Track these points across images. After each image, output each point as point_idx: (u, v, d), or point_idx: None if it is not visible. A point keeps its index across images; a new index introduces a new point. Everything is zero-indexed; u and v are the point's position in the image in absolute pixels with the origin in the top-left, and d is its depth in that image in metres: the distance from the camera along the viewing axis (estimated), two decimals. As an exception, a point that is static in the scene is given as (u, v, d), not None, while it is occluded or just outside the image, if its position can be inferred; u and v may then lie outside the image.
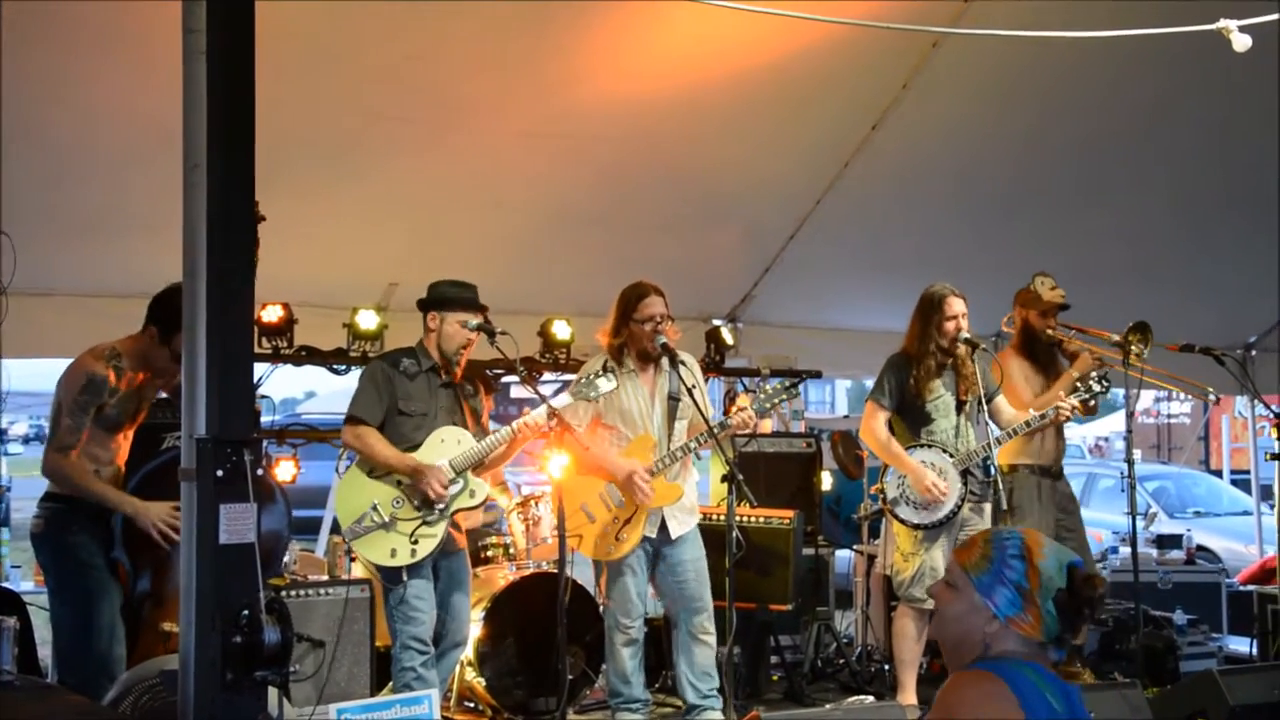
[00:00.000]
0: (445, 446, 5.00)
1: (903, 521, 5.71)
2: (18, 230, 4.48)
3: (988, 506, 5.76)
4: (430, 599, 5.00)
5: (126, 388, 4.45)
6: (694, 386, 5.33)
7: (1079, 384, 5.81)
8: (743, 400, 5.48)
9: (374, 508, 4.90)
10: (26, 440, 26.40)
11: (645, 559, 5.39)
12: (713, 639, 5.36)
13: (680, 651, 5.32)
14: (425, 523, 4.91)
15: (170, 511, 4.26)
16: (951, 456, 5.65)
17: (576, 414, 5.27)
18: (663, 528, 5.33)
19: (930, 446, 5.68)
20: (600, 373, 5.10)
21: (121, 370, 4.41)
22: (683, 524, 5.34)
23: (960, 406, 5.72)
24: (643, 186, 6.74)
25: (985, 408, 5.73)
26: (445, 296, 5.13)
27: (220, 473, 3.06)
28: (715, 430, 5.25)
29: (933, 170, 7.07)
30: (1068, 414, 5.71)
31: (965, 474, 5.65)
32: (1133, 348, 6.00)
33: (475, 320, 5.06)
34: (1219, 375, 9.06)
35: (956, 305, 5.71)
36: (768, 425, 7.67)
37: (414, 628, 4.93)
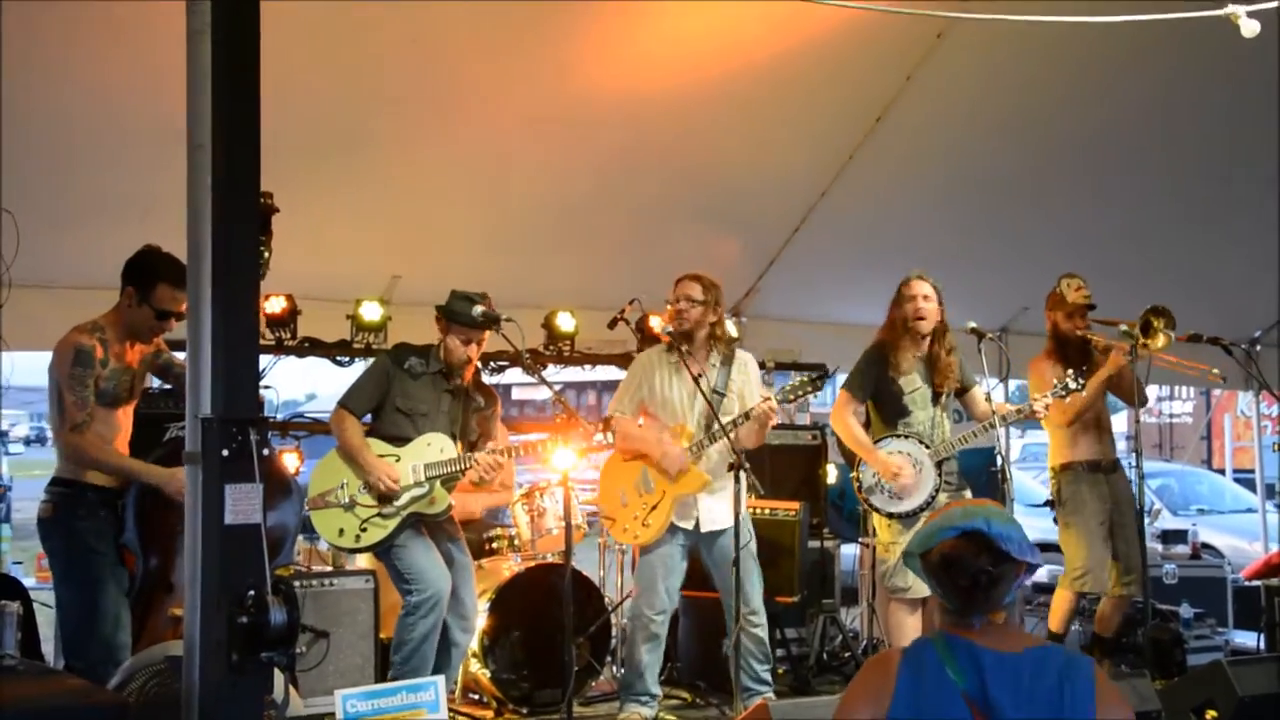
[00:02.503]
0: (429, 451, 5.17)
1: (877, 510, 5.69)
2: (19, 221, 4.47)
3: (968, 494, 5.75)
4: (436, 555, 5.11)
5: (116, 361, 4.42)
6: (744, 383, 5.50)
7: (1056, 383, 5.77)
8: (765, 394, 5.48)
9: (342, 486, 5.11)
10: (28, 441, 26.40)
11: (680, 552, 5.44)
12: (761, 630, 5.46)
13: (737, 640, 5.31)
14: (381, 515, 5.09)
15: None
16: (927, 447, 5.62)
17: (621, 401, 5.52)
18: (698, 522, 5.39)
19: (907, 438, 5.66)
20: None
21: (107, 343, 4.38)
22: (717, 518, 5.32)
23: (937, 398, 5.70)
24: (647, 178, 6.71)
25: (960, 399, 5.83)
26: (450, 310, 5.22)
27: (226, 452, 3.04)
28: (739, 420, 5.31)
29: (937, 162, 7.04)
30: (1042, 412, 5.68)
31: (941, 464, 5.61)
32: (1159, 329, 6.03)
33: (479, 309, 5.08)
34: (1224, 369, 9.09)
35: (917, 287, 5.68)
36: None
37: (425, 587, 5.00)
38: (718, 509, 5.34)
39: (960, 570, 2.53)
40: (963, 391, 5.82)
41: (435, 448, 5.16)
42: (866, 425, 5.83)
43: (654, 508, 5.41)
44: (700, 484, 5.32)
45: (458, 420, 5.26)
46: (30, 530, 5.53)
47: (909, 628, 5.69)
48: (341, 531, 5.09)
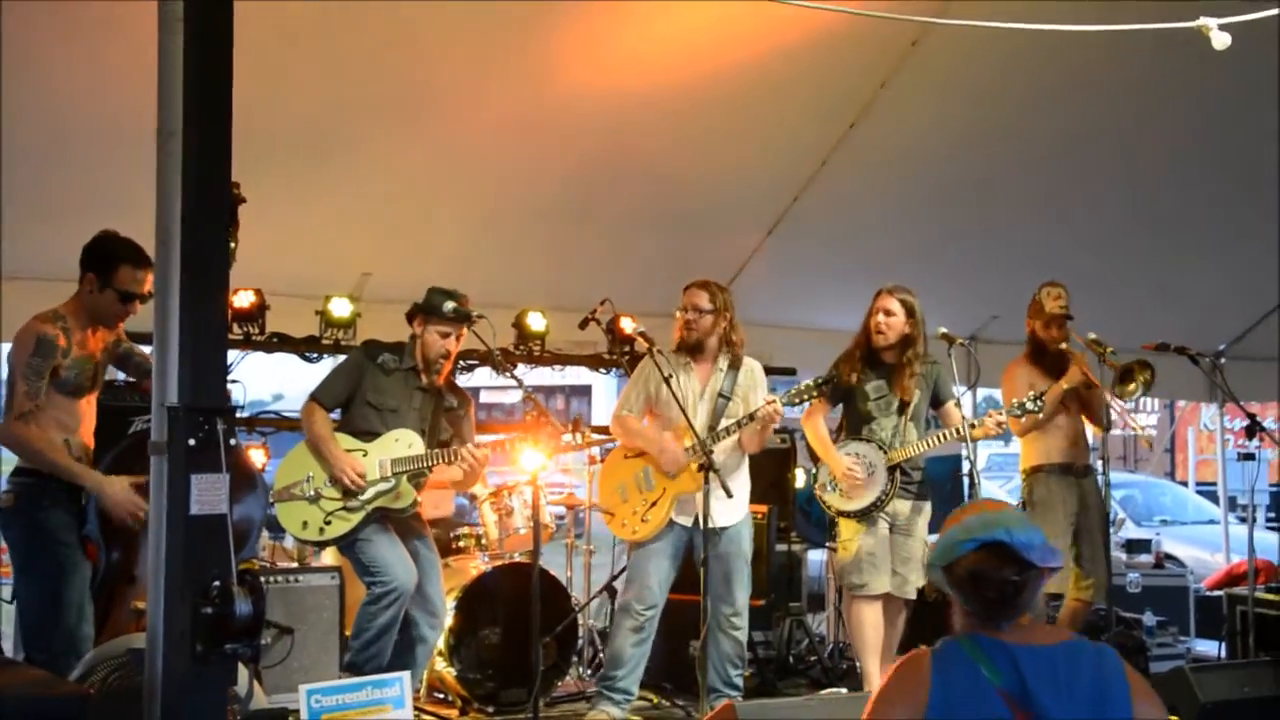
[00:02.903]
0: (396, 446, 5.16)
1: (827, 506, 5.87)
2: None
3: (925, 506, 5.87)
4: (401, 550, 5.09)
5: (78, 350, 4.36)
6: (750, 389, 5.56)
7: (1015, 403, 5.85)
8: (770, 395, 5.54)
9: (308, 479, 5.10)
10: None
11: (675, 549, 5.47)
12: (740, 633, 5.50)
13: (710, 639, 5.33)
14: (346, 508, 5.07)
15: (128, 489, 4.20)
16: (884, 453, 5.74)
17: (629, 400, 5.57)
18: (697, 519, 5.38)
19: (868, 441, 5.79)
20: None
21: (69, 331, 4.33)
22: (718, 515, 5.31)
23: (903, 407, 5.79)
24: (618, 181, 6.71)
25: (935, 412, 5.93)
26: (429, 305, 5.21)
27: (192, 441, 3.00)
28: (743, 422, 5.38)
29: (911, 168, 7.07)
30: (993, 430, 5.73)
31: (897, 470, 5.73)
32: (1138, 381, 6.23)
33: (450, 305, 5.07)
34: (1189, 381, 9.16)
35: (882, 301, 5.81)
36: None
37: (390, 579, 4.97)
38: (721, 506, 5.33)
39: (986, 584, 2.53)
40: (939, 404, 5.93)
41: (403, 444, 5.15)
42: (840, 429, 5.95)
43: (654, 504, 5.44)
44: (699, 483, 5.32)
45: (428, 418, 5.24)
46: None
47: (869, 624, 5.80)
48: (305, 524, 5.06)
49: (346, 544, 5.10)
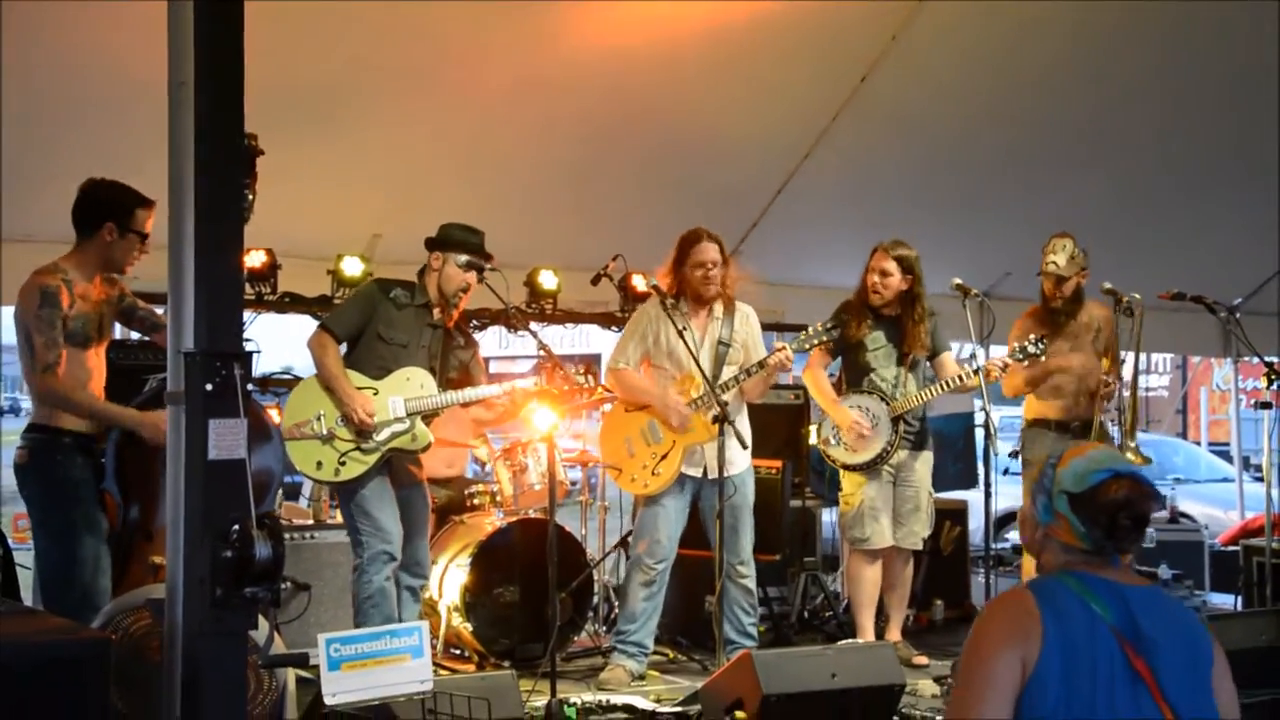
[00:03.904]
0: (408, 386, 5.02)
1: (832, 460, 5.91)
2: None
3: (922, 454, 5.90)
4: (395, 510, 5.01)
5: (82, 302, 4.35)
6: (747, 334, 5.57)
7: (1014, 345, 5.84)
8: (780, 342, 5.55)
9: (318, 417, 4.94)
10: (1, 412, 26.18)
11: (683, 501, 5.48)
12: (749, 580, 5.52)
13: (722, 591, 5.31)
14: (360, 449, 4.95)
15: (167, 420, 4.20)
16: (887, 404, 5.75)
17: (625, 352, 5.52)
18: (706, 469, 5.41)
19: (870, 394, 5.82)
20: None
21: (71, 283, 4.32)
22: (727, 466, 5.27)
23: (903, 359, 5.81)
24: (629, 139, 6.68)
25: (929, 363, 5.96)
26: (451, 238, 5.14)
27: (209, 386, 2.99)
28: (753, 370, 5.38)
29: (922, 124, 7.03)
30: (996, 374, 5.76)
31: (898, 420, 5.77)
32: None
33: (464, 258, 5.03)
34: (1203, 336, 9.12)
35: (877, 261, 5.84)
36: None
37: (381, 541, 4.92)
38: (729, 456, 5.30)
39: (1128, 509, 2.49)
40: (934, 356, 5.96)
41: (415, 383, 5.02)
42: (840, 381, 5.99)
43: (664, 457, 5.44)
44: (709, 434, 5.31)
45: (437, 355, 5.12)
46: (4, 497, 5.44)
47: (867, 579, 5.87)
48: (320, 465, 4.91)
49: (349, 490, 4.98)
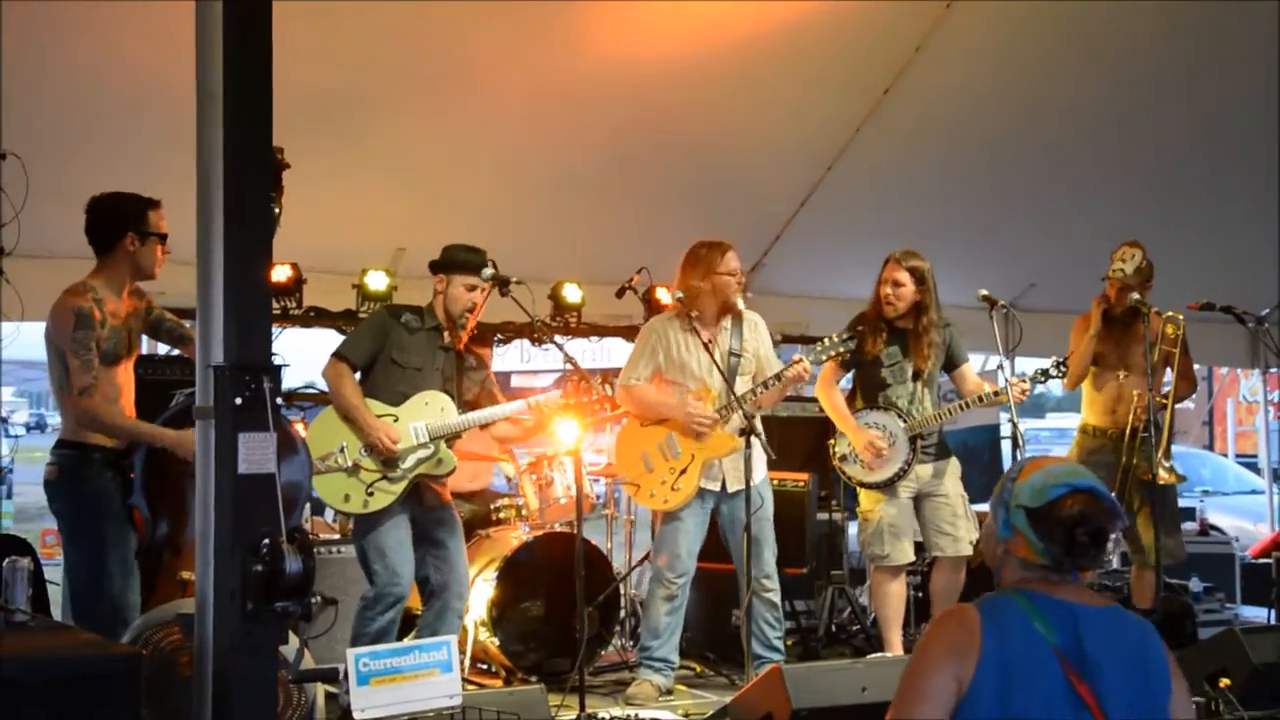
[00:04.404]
0: (428, 410, 5.00)
1: (848, 479, 5.82)
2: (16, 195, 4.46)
3: (948, 464, 5.79)
4: (409, 549, 4.97)
5: (112, 319, 4.37)
6: (759, 344, 5.54)
7: (1036, 370, 5.81)
8: (798, 355, 5.50)
9: (341, 449, 4.90)
10: (29, 428, 26.37)
11: (702, 515, 5.46)
12: (774, 594, 5.47)
13: (750, 605, 5.30)
14: (386, 478, 4.91)
15: None
16: (904, 421, 5.66)
17: (636, 369, 5.48)
18: (724, 482, 5.38)
19: (886, 410, 5.72)
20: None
21: (101, 302, 4.33)
22: (742, 478, 5.24)
23: (918, 374, 5.73)
24: (652, 151, 6.68)
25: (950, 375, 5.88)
26: (453, 259, 5.13)
27: (239, 400, 2.99)
28: (770, 383, 5.34)
29: (946, 135, 7.01)
30: (1018, 397, 5.61)
31: (916, 438, 5.66)
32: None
33: (489, 270, 5.03)
34: (1230, 346, 9.03)
35: (889, 272, 5.73)
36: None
37: (394, 579, 4.88)
38: (742, 468, 5.30)
39: (1085, 525, 2.46)
40: (952, 368, 5.86)
41: (435, 406, 5.00)
42: (853, 396, 5.90)
43: (683, 472, 5.40)
44: (731, 446, 5.28)
45: (451, 378, 5.11)
46: (33, 513, 5.48)
47: (893, 595, 5.77)
48: (348, 497, 4.89)
49: (366, 524, 4.93)
